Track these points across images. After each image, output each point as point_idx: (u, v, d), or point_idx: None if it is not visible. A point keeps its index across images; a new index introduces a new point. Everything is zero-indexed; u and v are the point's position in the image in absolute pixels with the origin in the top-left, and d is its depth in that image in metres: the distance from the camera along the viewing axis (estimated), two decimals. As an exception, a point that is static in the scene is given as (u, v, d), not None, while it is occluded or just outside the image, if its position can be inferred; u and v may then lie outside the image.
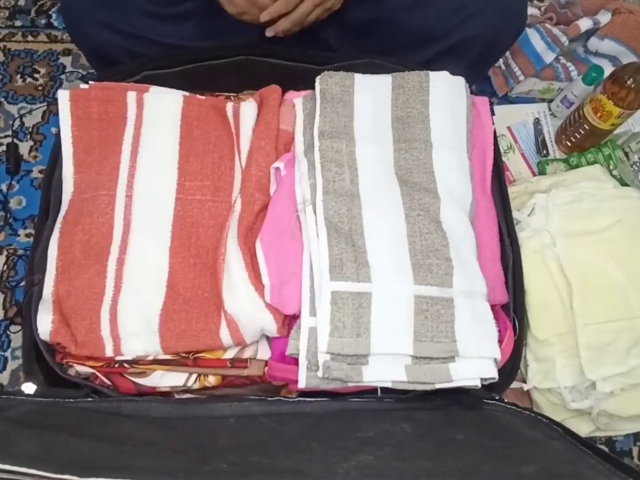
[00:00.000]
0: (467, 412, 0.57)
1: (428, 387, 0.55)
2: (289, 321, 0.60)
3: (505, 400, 0.58)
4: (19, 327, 0.76)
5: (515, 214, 0.73)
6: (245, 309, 0.58)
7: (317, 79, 0.68)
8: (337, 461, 0.41)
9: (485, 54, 0.76)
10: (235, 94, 0.74)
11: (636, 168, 0.92)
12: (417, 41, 0.72)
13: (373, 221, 0.60)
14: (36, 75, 0.98)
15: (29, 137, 0.92)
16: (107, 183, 0.64)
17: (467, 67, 0.70)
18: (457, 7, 0.70)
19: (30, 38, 1.01)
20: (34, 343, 0.59)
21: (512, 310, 0.64)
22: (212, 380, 0.60)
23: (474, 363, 0.56)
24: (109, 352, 0.59)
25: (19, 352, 0.79)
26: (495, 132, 0.71)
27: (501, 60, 0.97)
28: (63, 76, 0.98)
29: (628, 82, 0.79)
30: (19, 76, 0.97)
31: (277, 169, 0.66)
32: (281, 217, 0.63)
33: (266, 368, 0.60)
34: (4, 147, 0.90)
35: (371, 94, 0.68)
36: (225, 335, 0.58)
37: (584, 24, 0.91)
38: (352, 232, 0.59)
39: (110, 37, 0.70)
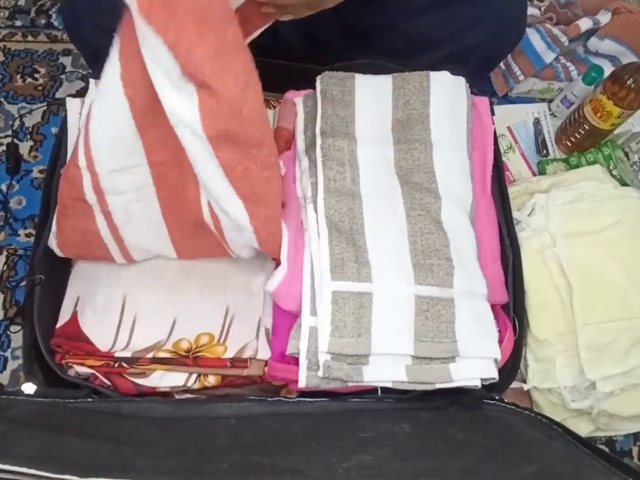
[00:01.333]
0: (467, 412, 0.57)
1: (428, 387, 0.55)
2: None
3: (505, 400, 0.58)
4: (19, 327, 0.76)
5: (515, 214, 0.73)
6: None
7: (318, 79, 0.68)
8: (337, 461, 0.41)
9: (485, 61, 0.77)
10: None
11: (636, 168, 0.92)
12: (417, 47, 0.72)
13: (374, 221, 0.60)
14: (36, 75, 0.98)
15: (29, 137, 0.92)
16: None
17: (467, 73, 0.71)
18: (458, 15, 0.70)
19: (30, 38, 1.01)
20: (34, 343, 0.59)
21: (512, 310, 0.64)
22: (212, 380, 0.60)
23: (474, 363, 0.56)
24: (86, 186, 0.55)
25: (19, 352, 0.78)
26: (495, 132, 0.71)
27: (501, 60, 0.97)
28: (63, 76, 0.98)
29: (628, 82, 0.79)
30: (19, 76, 0.97)
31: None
32: (293, 212, 0.62)
33: (266, 368, 0.61)
34: (4, 147, 0.90)
35: (372, 94, 0.68)
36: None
37: (584, 24, 0.91)
38: (353, 232, 0.59)
39: (110, 40, 0.70)
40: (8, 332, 0.80)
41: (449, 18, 0.69)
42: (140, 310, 0.62)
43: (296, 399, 0.57)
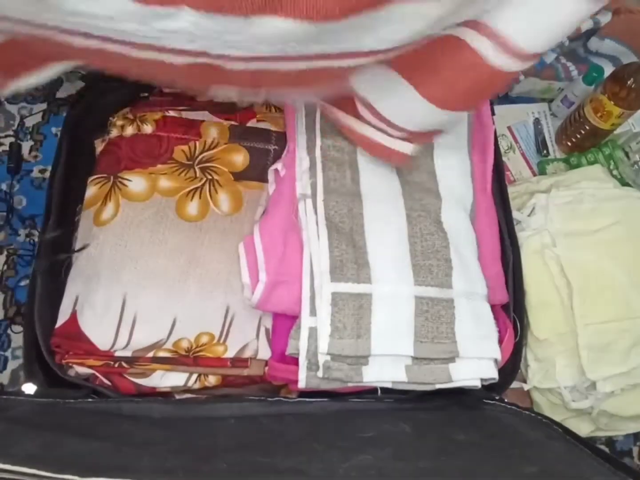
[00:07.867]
0: (467, 412, 0.57)
1: (428, 388, 0.55)
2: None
3: (506, 400, 0.58)
4: (19, 327, 0.76)
5: (515, 214, 0.73)
6: None
7: (318, 79, 0.68)
8: (338, 461, 0.41)
9: None
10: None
11: (637, 168, 0.92)
12: None
13: (374, 221, 0.60)
14: (36, 75, 0.98)
15: (29, 137, 0.92)
16: None
17: None
18: None
19: (30, 38, 1.01)
20: (34, 343, 0.59)
21: (512, 310, 0.64)
22: (212, 380, 0.60)
23: (474, 363, 0.56)
24: None
25: (19, 352, 0.78)
26: (495, 132, 0.71)
27: (501, 60, 0.96)
28: (63, 76, 0.98)
29: (628, 82, 0.79)
30: (19, 76, 0.97)
31: (276, 170, 0.66)
32: (283, 215, 0.62)
33: (266, 368, 0.61)
34: (3, 147, 0.90)
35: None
36: None
37: (584, 24, 0.91)
38: (353, 232, 0.59)
39: None
40: (8, 332, 0.80)
41: None
42: (140, 309, 0.62)
43: (296, 399, 0.57)
